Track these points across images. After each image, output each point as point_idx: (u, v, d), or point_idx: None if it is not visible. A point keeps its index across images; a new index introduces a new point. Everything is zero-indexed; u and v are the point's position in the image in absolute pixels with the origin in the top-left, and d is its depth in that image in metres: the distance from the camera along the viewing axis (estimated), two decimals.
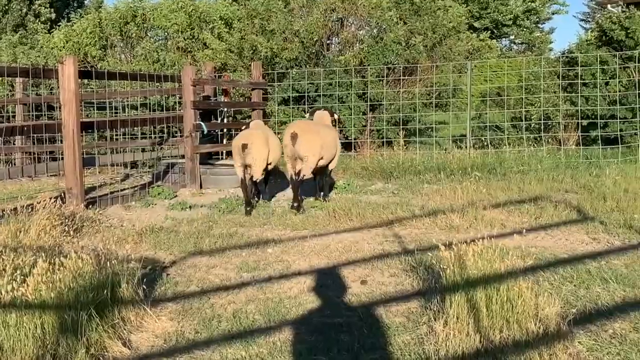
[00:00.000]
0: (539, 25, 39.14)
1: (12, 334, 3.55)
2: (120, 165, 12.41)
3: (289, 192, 9.56)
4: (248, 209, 8.03)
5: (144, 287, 4.50)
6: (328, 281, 5.10)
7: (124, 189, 9.71)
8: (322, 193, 8.74)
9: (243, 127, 9.03)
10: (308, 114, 9.43)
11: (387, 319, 4.22)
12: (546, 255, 5.60)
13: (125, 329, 4.01)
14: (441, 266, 4.15)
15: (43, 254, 4.41)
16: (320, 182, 8.82)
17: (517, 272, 3.94)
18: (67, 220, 6.77)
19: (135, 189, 9.69)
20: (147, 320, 4.20)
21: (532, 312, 3.69)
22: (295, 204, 8.02)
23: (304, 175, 8.12)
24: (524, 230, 5.90)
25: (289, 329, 4.11)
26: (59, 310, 3.71)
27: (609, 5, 20.41)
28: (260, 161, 8.27)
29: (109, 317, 3.93)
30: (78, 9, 29.54)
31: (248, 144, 8.08)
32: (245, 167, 8.23)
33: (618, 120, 12.20)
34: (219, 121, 11.89)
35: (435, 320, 3.93)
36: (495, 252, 4.07)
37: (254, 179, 8.47)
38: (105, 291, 4.00)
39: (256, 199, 8.72)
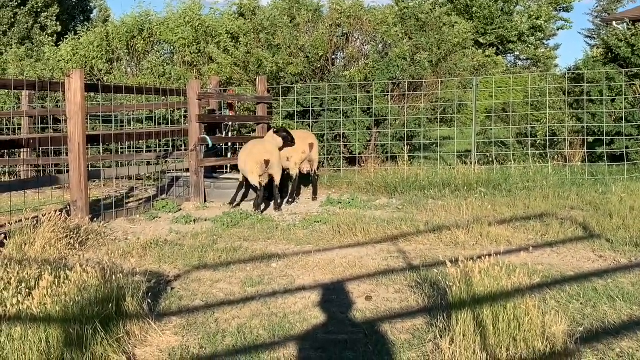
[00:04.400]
0: (544, 41, 39.35)
1: (17, 347, 3.54)
2: (125, 179, 12.43)
3: (292, 207, 9.59)
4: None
5: (149, 301, 4.50)
6: (332, 297, 5.09)
7: (129, 202, 9.71)
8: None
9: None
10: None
11: (393, 336, 4.20)
12: (553, 273, 5.57)
13: (129, 343, 3.99)
14: (447, 283, 4.13)
15: (48, 267, 4.41)
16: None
17: (523, 290, 3.90)
18: (72, 233, 6.76)
19: (140, 202, 9.69)
20: (152, 335, 4.19)
21: (539, 331, 3.66)
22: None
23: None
24: (530, 248, 5.88)
25: (293, 344, 4.09)
26: (64, 324, 3.70)
27: (614, 22, 20.50)
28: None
29: (114, 331, 3.92)
30: (85, 22, 29.78)
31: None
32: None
33: (624, 137, 12.19)
34: (223, 135, 11.93)
35: (441, 337, 3.90)
36: (501, 269, 4.04)
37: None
38: (111, 305, 3.99)
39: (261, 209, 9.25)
